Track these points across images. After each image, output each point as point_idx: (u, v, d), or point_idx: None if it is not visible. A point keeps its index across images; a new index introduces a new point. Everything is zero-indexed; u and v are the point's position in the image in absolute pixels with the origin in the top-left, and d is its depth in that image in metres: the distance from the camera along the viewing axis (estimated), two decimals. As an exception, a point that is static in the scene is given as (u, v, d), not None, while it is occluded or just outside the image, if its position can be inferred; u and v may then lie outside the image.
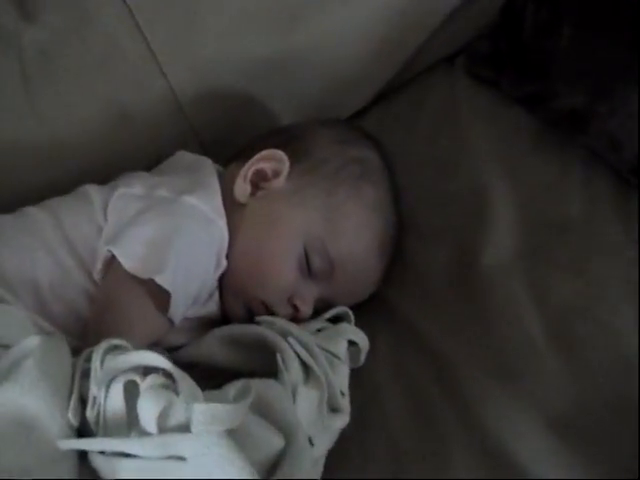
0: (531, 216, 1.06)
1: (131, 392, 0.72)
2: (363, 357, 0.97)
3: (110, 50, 1.06)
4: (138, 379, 0.72)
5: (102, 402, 0.73)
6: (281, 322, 0.91)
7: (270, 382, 0.81)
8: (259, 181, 1.00)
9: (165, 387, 0.72)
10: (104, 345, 0.75)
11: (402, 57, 1.21)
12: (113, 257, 0.90)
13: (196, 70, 1.10)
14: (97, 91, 1.06)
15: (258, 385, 0.78)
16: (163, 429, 0.70)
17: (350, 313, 0.99)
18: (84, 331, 0.90)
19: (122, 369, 0.73)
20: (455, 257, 1.04)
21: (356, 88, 1.20)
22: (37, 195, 1.00)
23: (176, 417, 0.70)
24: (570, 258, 1.01)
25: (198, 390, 0.73)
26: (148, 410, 0.70)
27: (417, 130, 1.21)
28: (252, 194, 0.99)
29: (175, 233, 0.91)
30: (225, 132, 1.13)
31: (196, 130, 1.13)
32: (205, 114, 1.12)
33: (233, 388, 0.77)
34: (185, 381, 0.72)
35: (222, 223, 0.95)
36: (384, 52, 1.18)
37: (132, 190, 0.97)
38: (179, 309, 0.90)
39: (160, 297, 0.88)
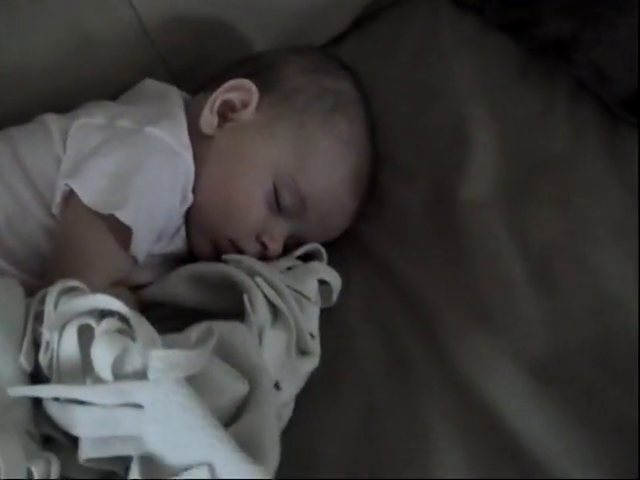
0: (513, 150, 1.03)
1: (86, 337, 0.70)
2: (335, 296, 0.94)
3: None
4: (93, 323, 0.70)
5: (55, 347, 0.70)
6: (249, 261, 0.88)
7: (235, 324, 0.79)
8: (227, 112, 0.96)
9: (121, 332, 0.69)
10: (59, 287, 0.73)
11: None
12: (72, 191, 0.87)
13: (163, -6, 1.06)
14: (57, 15, 1.02)
15: (222, 327, 0.76)
16: (119, 376, 0.68)
17: (322, 251, 0.96)
18: (43, 269, 0.87)
19: (77, 312, 0.71)
20: (432, 192, 1.02)
21: (331, 13, 1.16)
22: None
23: (132, 363, 0.68)
24: (552, 195, 0.99)
25: (156, 335, 0.70)
26: (102, 356, 0.68)
27: (396, 57, 1.17)
28: (219, 126, 0.96)
29: (137, 166, 0.88)
30: (194, 60, 1.09)
31: (164, 57, 1.09)
32: (173, 41, 1.08)
33: (195, 331, 0.74)
34: (142, 326, 0.69)
35: (188, 155, 0.92)
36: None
37: (93, 120, 0.93)
38: (142, 246, 0.88)
39: (122, 233, 0.86)
